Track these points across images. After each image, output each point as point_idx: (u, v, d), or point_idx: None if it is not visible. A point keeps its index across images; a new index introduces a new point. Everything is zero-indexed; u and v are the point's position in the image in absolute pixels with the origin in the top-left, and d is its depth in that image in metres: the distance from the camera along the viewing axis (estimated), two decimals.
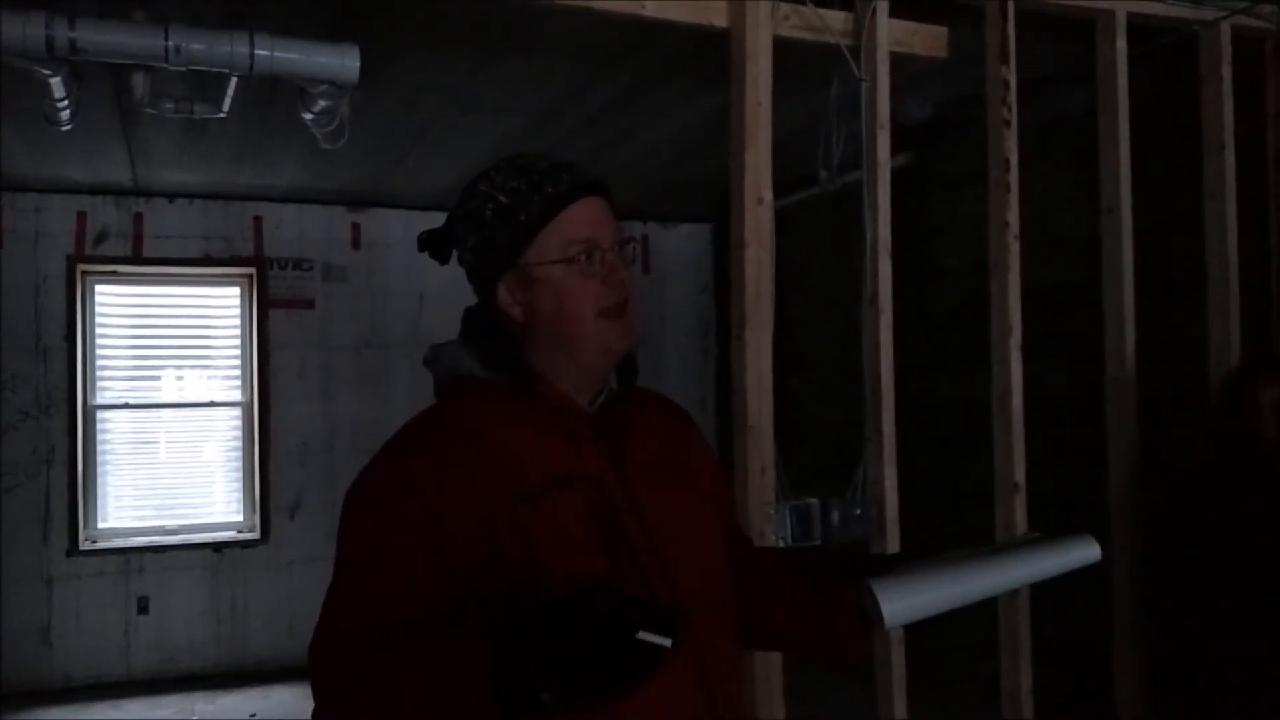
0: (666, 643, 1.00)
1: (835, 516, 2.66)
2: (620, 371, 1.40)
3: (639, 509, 1.29)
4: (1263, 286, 3.21)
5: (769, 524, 2.52)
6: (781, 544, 2.55)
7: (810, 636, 1.43)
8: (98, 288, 5.92)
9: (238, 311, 6.25)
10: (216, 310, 6.27)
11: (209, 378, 6.27)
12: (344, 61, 3.03)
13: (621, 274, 1.34)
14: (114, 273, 5.92)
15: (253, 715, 5.21)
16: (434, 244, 1.42)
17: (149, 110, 3.28)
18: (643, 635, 0.99)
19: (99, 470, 5.94)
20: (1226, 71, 3.12)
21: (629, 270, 1.36)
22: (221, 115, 3.49)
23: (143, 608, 5.82)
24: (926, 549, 1.41)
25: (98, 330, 5.93)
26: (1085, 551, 1.38)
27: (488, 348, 1.34)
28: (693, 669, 1.26)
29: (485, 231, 1.33)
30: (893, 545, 2.67)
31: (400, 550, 1.21)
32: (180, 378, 6.21)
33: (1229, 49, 3.12)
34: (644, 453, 1.35)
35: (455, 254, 1.41)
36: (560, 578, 1.15)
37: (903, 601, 1.26)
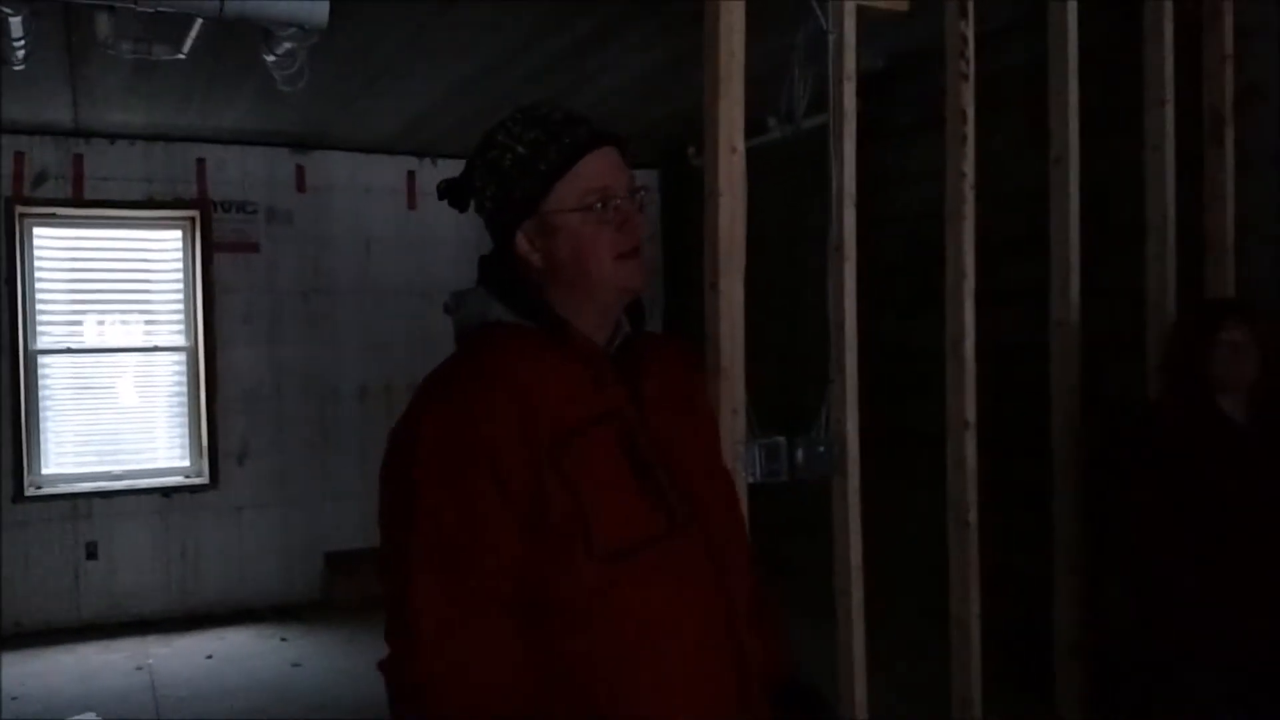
0: None
1: (800, 455, 2.79)
2: (630, 314, 1.47)
3: (659, 442, 1.37)
4: (1196, 235, 3.37)
5: (739, 462, 2.63)
6: (751, 480, 2.67)
7: None
8: (36, 230, 5.81)
9: (180, 255, 6.17)
10: (159, 254, 6.19)
11: (150, 321, 6.21)
12: (314, 4, 3.02)
13: (635, 220, 1.40)
14: (53, 215, 5.82)
15: (209, 657, 5.24)
16: (453, 193, 1.47)
17: (109, 52, 3.23)
18: None
19: (41, 416, 5.87)
20: (1168, 28, 3.25)
21: (641, 217, 1.43)
22: (180, 57, 3.45)
23: (91, 553, 5.81)
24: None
25: (37, 274, 5.83)
26: None
27: (514, 294, 1.40)
28: (720, 595, 1.36)
29: (504, 181, 1.38)
30: (853, 482, 2.81)
31: (473, 496, 1.24)
32: (123, 322, 6.14)
33: (1170, 6, 3.25)
34: (658, 388, 1.43)
35: (473, 202, 1.46)
36: (603, 515, 1.26)
37: None
